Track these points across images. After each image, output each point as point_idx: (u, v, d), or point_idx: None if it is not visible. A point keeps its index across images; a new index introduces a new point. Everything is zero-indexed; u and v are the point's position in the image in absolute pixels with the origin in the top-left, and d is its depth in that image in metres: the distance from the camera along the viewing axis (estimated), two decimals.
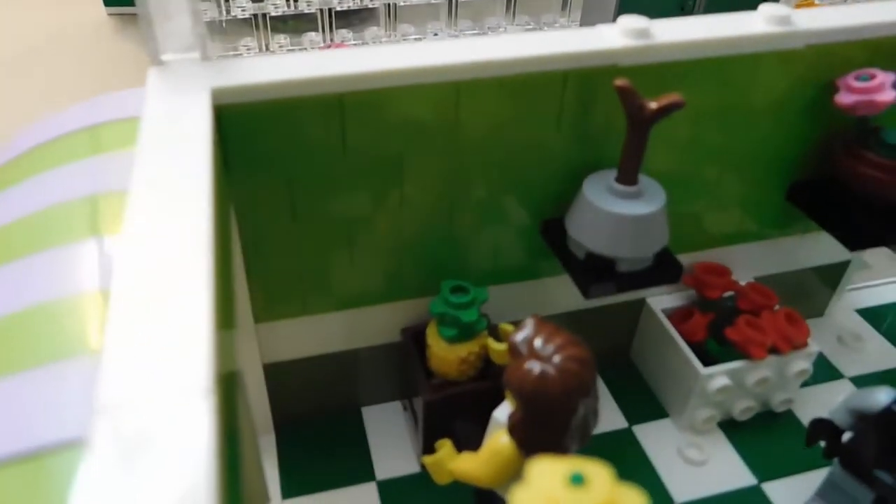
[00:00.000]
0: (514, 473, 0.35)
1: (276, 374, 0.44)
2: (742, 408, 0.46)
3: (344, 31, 0.59)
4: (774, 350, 0.45)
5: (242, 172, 0.35)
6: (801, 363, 0.45)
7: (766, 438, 0.47)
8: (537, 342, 0.33)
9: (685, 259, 0.48)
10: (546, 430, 0.33)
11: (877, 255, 0.63)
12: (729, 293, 0.48)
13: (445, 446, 0.38)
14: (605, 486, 0.19)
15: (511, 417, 0.34)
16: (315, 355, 0.45)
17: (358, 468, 0.44)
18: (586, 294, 0.38)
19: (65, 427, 0.17)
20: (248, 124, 0.34)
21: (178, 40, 0.34)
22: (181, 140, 0.27)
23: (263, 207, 0.37)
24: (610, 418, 0.48)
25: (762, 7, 0.40)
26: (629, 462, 0.45)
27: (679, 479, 0.44)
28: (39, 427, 0.17)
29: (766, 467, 0.45)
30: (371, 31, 0.59)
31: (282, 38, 0.57)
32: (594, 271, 0.38)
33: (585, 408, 0.33)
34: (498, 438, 0.35)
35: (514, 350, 0.33)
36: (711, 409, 0.46)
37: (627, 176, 0.37)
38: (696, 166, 0.43)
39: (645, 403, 0.49)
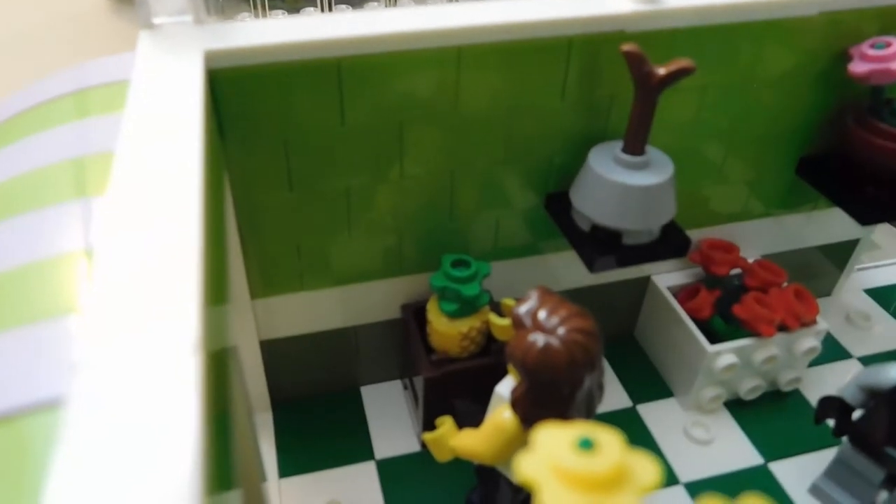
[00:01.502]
0: (516, 449, 0.35)
1: (274, 351, 0.44)
2: (749, 387, 0.45)
3: (342, 6, 0.58)
4: (783, 327, 0.44)
5: (237, 140, 0.34)
6: (809, 341, 0.44)
7: (773, 418, 0.46)
8: (541, 314, 0.32)
9: (692, 235, 0.47)
10: (550, 404, 0.32)
11: (886, 235, 0.62)
12: (736, 270, 0.47)
13: (446, 423, 0.37)
14: (615, 450, 0.18)
15: (514, 392, 0.33)
16: (313, 332, 0.44)
17: (356, 447, 0.43)
18: (591, 267, 0.37)
19: (45, 387, 0.16)
20: (242, 89, 0.32)
21: (171, 3, 0.33)
22: (172, 103, 0.26)
23: (259, 177, 0.36)
24: (614, 397, 0.47)
25: None
26: (634, 441, 0.44)
27: (685, 458, 0.43)
28: (19, 387, 0.16)
29: (773, 447, 0.44)
30: (370, 5, 0.58)
31: (279, 13, 0.56)
32: (599, 244, 0.37)
33: (591, 381, 0.32)
34: (501, 413, 0.34)
35: (517, 322, 0.32)
36: (718, 387, 0.45)
37: (634, 146, 0.36)
38: (703, 139, 0.42)
39: (650, 382, 0.48)
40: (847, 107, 0.42)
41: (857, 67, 0.39)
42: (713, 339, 0.44)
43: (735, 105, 0.41)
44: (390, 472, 0.42)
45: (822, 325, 0.45)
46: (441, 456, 0.37)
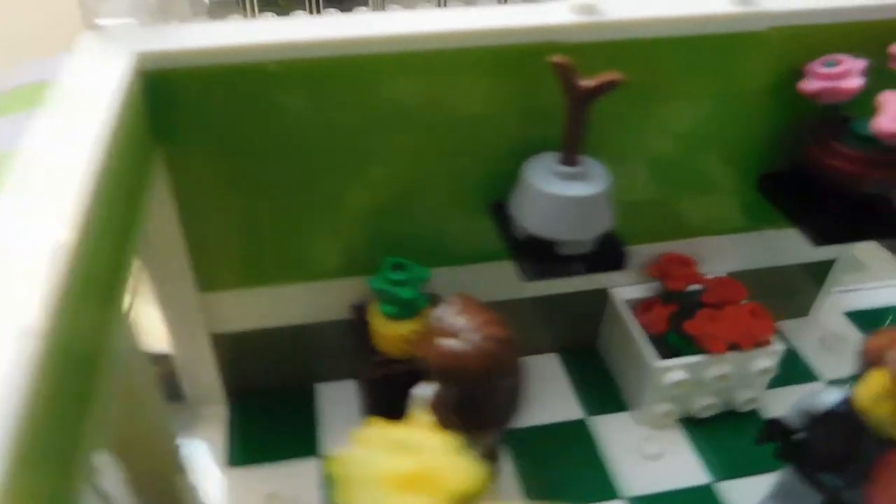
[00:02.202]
0: None
1: (229, 344, 0.45)
2: (703, 404, 0.45)
3: (332, 10, 0.59)
4: (736, 346, 0.43)
5: (175, 139, 0.35)
6: (764, 361, 0.44)
7: (726, 437, 0.45)
8: (458, 320, 0.32)
9: (654, 249, 0.47)
10: (465, 409, 0.32)
11: (872, 257, 0.60)
12: (697, 286, 0.46)
13: (377, 423, 0.37)
14: (429, 453, 0.18)
15: (434, 396, 0.33)
16: (269, 328, 0.45)
17: (304, 443, 0.44)
18: (522, 276, 0.37)
19: None
20: (176, 90, 0.34)
21: (114, 5, 0.34)
22: (85, 103, 0.28)
23: (201, 175, 0.37)
24: (567, 408, 0.47)
25: None
26: (581, 453, 0.44)
27: (630, 473, 0.43)
28: None
29: (723, 466, 0.43)
30: (359, 10, 0.59)
31: (270, 16, 0.57)
32: (533, 254, 0.38)
33: (505, 388, 0.32)
34: (418, 416, 0.34)
35: (433, 327, 0.32)
36: (669, 403, 0.44)
37: (568, 156, 0.36)
38: (657, 152, 0.42)
39: (606, 395, 0.48)
40: (806, 124, 0.41)
41: (808, 85, 0.38)
42: (669, 355, 0.44)
43: (687, 118, 0.41)
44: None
45: (778, 345, 0.44)
46: None
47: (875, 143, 0.37)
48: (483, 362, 0.31)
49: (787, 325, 0.53)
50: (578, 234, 0.36)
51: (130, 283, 0.28)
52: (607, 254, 0.38)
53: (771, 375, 0.45)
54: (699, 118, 0.41)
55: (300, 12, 0.61)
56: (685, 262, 0.46)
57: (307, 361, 0.48)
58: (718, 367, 0.43)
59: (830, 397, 0.36)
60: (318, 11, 0.60)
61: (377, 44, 0.34)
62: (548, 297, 0.48)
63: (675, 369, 0.43)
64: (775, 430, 0.39)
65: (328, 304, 0.45)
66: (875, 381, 0.32)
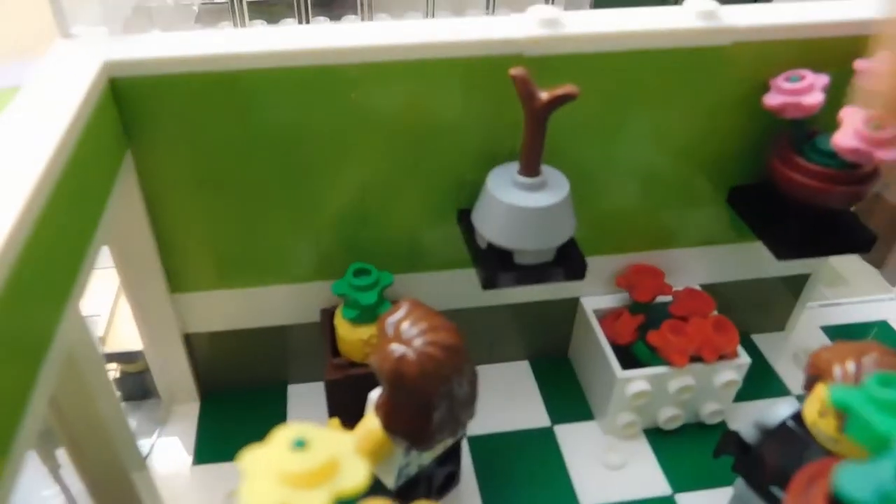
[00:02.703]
0: (387, 454, 0.36)
1: (201, 344, 0.46)
2: (667, 416, 0.45)
3: (321, 17, 0.60)
4: (700, 359, 0.43)
5: (144, 143, 0.36)
6: (728, 374, 0.44)
7: (690, 449, 0.45)
8: (404, 325, 0.33)
9: (626, 259, 0.47)
10: (407, 412, 0.33)
11: (854, 271, 0.60)
12: (666, 298, 0.47)
13: (331, 424, 0.38)
14: (325, 451, 0.19)
15: (378, 399, 0.34)
16: (241, 329, 0.46)
17: None
18: (483, 285, 0.38)
19: None
20: (144, 97, 0.35)
21: (88, 14, 0.35)
22: (48, 108, 0.29)
23: (169, 179, 0.38)
24: (534, 415, 0.47)
25: (689, 1, 0.39)
26: (544, 461, 0.45)
27: (591, 482, 0.43)
28: None
29: (685, 478, 0.44)
30: (348, 17, 0.60)
31: (260, 24, 0.59)
32: (493, 263, 0.38)
33: (449, 394, 0.33)
34: (369, 420, 0.35)
35: (381, 331, 0.33)
36: (633, 414, 0.45)
37: (528, 167, 0.36)
38: (626, 164, 0.42)
39: (574, 403, 0.48)
40: (773, 139, 0.41)
41: (772, 100, 0.38)
42: (636, 365, 0.44)
43: (655, 132, 0.41)
44: None
45: (743, 359, 0.44)
46: None
47: (837, 158, 0.37)
48: (424, 368, 0.31)
49: (762, 339, 0.53)
50: (537, 243, 0.37)
51: (84, 278, 0.29)
52: (567, 263, 0.38)
53: (736, 388, 0.45)
54: (667, 131, 0.41)
55: (289, 20, 0.62)
56: (654, 274, 0.46)
57: (280, 362, 0.48)
58: (681, 379, 0.43)
59: (783, 411, 0.36)
60: (307, 19, 0.61)
61: (347, 54, 0.35)
62: (520, 304, 0.49)
63: (638, 380, 0.43)
64: (731, 443, 0.39)
65: (301, 306, 0.45)
66: (819, 396, 0.32)
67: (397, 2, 0.58)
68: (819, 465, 0.25)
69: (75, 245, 0.28)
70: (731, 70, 0.39)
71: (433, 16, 0.63)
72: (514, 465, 0.44)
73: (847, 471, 0.18)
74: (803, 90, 0.37)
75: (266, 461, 0.19)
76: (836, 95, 0.38)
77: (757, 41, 0.38)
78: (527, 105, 0.35)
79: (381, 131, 0.38)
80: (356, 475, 0.19)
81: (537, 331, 0.51)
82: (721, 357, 0.44)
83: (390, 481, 0.37)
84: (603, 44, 0.37)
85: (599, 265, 0.47)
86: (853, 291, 0.58)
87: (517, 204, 0.36)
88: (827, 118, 0.38)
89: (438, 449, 0.38)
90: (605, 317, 0.47)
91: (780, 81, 0.38)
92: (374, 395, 0.36)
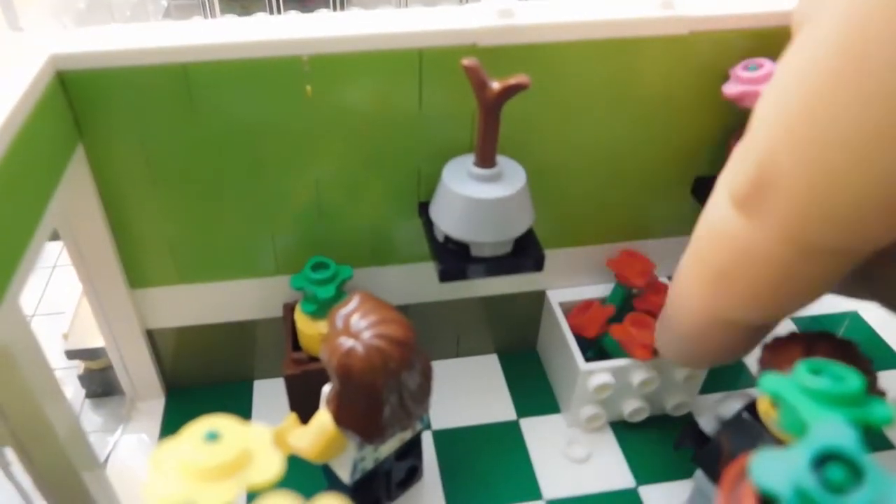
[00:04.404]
0: (340, 449, 0.36)
1: (165, 340, 0.46)
2: (632, 409, 0.45)
3: (292, 11, 0.60)
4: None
5: (96, 137, 0.36)
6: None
7: (655, 442, 0.45)
8: (354, 318, 0.32)
9: (595, 251, 0.47)
10: (356, 406, 0.33)
11: None
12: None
13: (289, 419, 0.38)
14: (237, 444, 0.19)
15: (329, 393, 0.34)
16: (205, 324, 0.46)
17: None
18: (439, 278, 0.38)
19: None
20: (94, 91, 0.34)
21: (37, 9, 0.35)
22: None
23: (124, 173, 0.37)
24: (501, 409, 0.47)
25: None
26: (508, 454, 0.44)
27: (554, 475, 0.43)
28: None
29: (649, 471, 0.43)
30: (321, 11, 0.60)
31: (232, 17, 0.58)
32: (450, 255, 0.38)
33: (398, 389, 0.33)
34: (322, 414, 0.35)
35: (331, 324, 0.33)
36: (597, 406, 0.44)
37: (483, 158, 0.36)
38: (587, 156, 0.42)
39: (541, 397, 0.48)
40: (735, 128, 0.41)
41: (730, 89, 0.38)
42: (605, 358, 0.44)
43: (615, 122, 0.41)
44: None
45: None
46: (282, 451, 0.37)
47: None
48: (371, 362, 0.31)
49: None
50: (492, 235, 0.37)
51: (23, 274, 0.28)
52: (525, 255, 0.38)
53: (700, 381, 0.45)
54: (627, 121, 0.41)
55: (261, 13, 0.61)
56: (643, 260, 0.46)
57: (246, 358, 0.48)
58: (643, 371, 0.43)
59: (738, 403, 0.36)
60: (279, 11, 0.60)
61: (297, 46, 0.35)
62: (487, 298, 0.49)
63: (600, 372, 0.43)
64: (690, 435, 0.39)
65: (264, 301, 0.45)
66: None
67: None
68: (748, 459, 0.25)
69: (12, 240, 0.28)
70: (690, 60, 0.39)
71: (406, 6, 0.62)
72: (479, 459, 0.44)
73: (762, 459, 0.18)
74: (761, 79, 0.37)
75: (176, 455, 0.19)
76: None
77: (714, 30, 0.38)
78: (479, 96, 0.34)
79: (337, 124, 0.38)
80: (269, 468, 0.19)
81: (505, 324, 0.50)
82: None
83: (346, 476, 0.37)
84: (558, 33, 0.37)
85: (567, 257, 0.47)
86: None
87: (472, 196, 0.36)
88: None
89: (395, 443, 0.38)
90: (573, 309, 0.47)
91: (739, 70, 0.38)
92: (327, 389, 0.36)
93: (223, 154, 0.38)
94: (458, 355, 0.51)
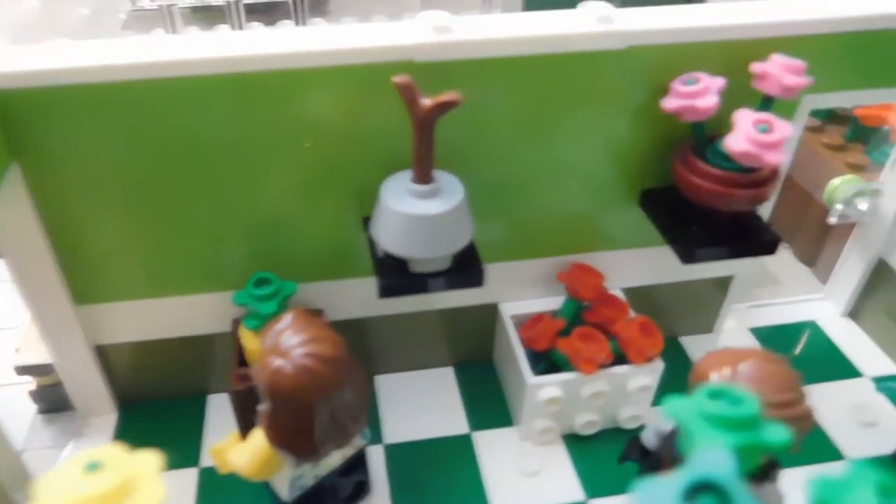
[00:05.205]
0: (277, 467, 0.35)
1: (115, 355, 0.46)
2: (584, 421, 0.45)
3: (255, 23, 0.60)
4: (623, 361, 0.43)
5: (34, 155, 0.36)
6: (642, 379, 0.44)
7: (607, 454, 0.45)
8: (284, 336, 0.32)
9: (547, 264, 0.47)
10: (288, 425, 0.33)
11: (788, 271, 0.59)
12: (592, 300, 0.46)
13: (229, 436, 0.38)
14: (118, 473, 0.19)
15: (262, 412, 0.34)
16: (155, 339, 0.46)
17: (186, 453, 0.45)
18: (378, 294, 0.38)
19: None
20: (26, 110, 0.34)
21: None
22: None
23: (64, 192, 0.37)
24: (454, 423, 0.47)
25: (582, 4, 0.38)
26: (460, 468, 0.44)
27: (505, 489, 0.43)
28: None
29: (600, 484, 0.43)
30: (283, 23, 0.60)
31: (193, 30, 0.58)
32: (390, 271, 0.38)
33: (333, 406, 0.33)
34: (257, 432, 0.35)
35: (263, 342, 0.33)
36: (548, 420, 0.44)
37: (419, 175, 0.36)
38: (532, 170, 0.42)
39: (495, 410, 0.48)
40: (680, 142, 0.41)
41: (669, 103, 0.38)
42: (554, 371, 0.44)
43: (559, 136, 0.41)
44: (211, 481, 0.44)
45: (658, 363, 0.44)
46: (222, 468, 0.38)
47: (737, 161, 0.37)
48: (299, 380, 0.31)
49: (691, 341, 0.53)
50: (429, 251, 0.37)
51: None
52: (465, 270, 0.38)
53: (651, 393, 0.45)
54: (571, 136, 0.41)
55: (223, 26, 0.61)
56: (593, 273, 0.46)
57: (199, 372, 0.48)
58: (593, 384, 0.43)
59: None
60: (241, 26, 0.61)
61: (234, 64, 0.35)
62: (442, 311, 0.49)
63: (549, 386, 0.43)
64: (634, 448, 0.39)
65: (215, 316, 0.45)
66: None
67: (337, 6, 0.58)
68: None
69: None
70: (629, 74, 0.39)
71: (369, 21, 0.62)
72: (430, 474, 0.44)
73: (644, 487, 0.18)
74: (698, 93, 0.37)
75: (57, 486, 0.19)
76: (735, 98, 0.38)
77: (652, 45, 0.38)
78: (411, 112, 0.34)
79: (281, 140, 0.38)
80: (152, 496, 0.19)
81: (461, 337, 0.50)
82: (647, 359, 0.44)
83: (284, 493, 0.37)
84: (496, 49, 0.37)
85: (519, 270, 0.47)
86: (786, 291, 0.57)
87: (408, 212, 0.36)
88: (729, 121, 0.38)
89: (336, 459, 0.38)
90: (525, 322, 0.47)
91: (677, 85, 0.38)
92: (261, 407, 0.36)
93: (168, 171, 0.38)
94: (413, 368, 0.51)
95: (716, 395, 0.22)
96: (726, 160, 0.38)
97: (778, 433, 0.21)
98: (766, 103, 0.38)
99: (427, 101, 0.34)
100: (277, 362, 0.31)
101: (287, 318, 0.33)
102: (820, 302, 0.56)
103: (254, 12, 0.60)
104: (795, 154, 0.59)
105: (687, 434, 0.22)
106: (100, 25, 0.52)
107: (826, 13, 0.39)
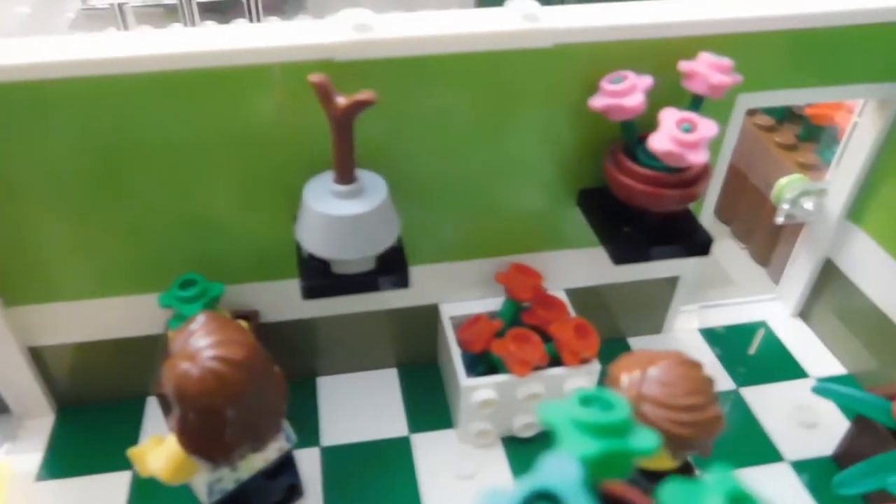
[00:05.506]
0: (192, 470, 0.35)
1: (54, 356, 0.45)
2: (522, 423, 0.44)
3: (209, 21, 0.59)
4: (558, 363, 0.43)
5: None
6: (578, 380, 0.43)
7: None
8: (193, 339, 0.32)
9: (489, 264, 0.46)
10: (197, 429, 0.32)
11: (744, 272, 0.59)
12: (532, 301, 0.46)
13: (149, 440, 0.37)
14: None
15: (172, 416, 0.33)
16: (90, 341, 0.45)
17: (120, 456, 0.44)
18: (301, 295, 0.37)
19: None
20: None
21: None
22: None
23: None
24: (393, 425, 0.47)
25: (509, 2, 0.38)
26: (396, 471, 0.44)
27: (439, 492, 0.43)
28: None
29: None
30: (238, 21, 0.59)
31: (146, 29, 0.58)
32: (314, 272, 0.37)
33: (244, 409, 0.32)
34: (171, 436, 0.34)
35: (173, 346, 0.32)
36: (484, 422, 0.44)
37: (341, 175, 0.36)
38: (468, 169, 0.42)
39: (437, 412, 0.47)
40: (613, 141, 0.41)
41: (596, 102, 0.38)
42: (491, 373, 0.43)
43: (491, 135, 0.40)
44: (143, 484, 0.43)
45: (595, 365, 0.43)
46: (142, 472, 0.37)
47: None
48: (205, 384, 0.30)
49: (639, 342, 0.53)
50: (351, 253, 0.36)
51: None
52: (389, 272, 0.38)
53: None
54: (502, 135, 0.41)
55: (177, 25, 0.61)
56: (532, 274, 0.45)
57: (137, 375, 0.48)
58: (528, 386, 0.42)
59: None
60: (194, 23, 0.60)
61: (140, 63, 0.35)
62: (383, 311, 0.48)
63: (483, 388, 0.42)
64: None
65: (153, 317, 0.45)
66: None
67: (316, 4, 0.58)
68: None
69: None
70: (558, 72, 0.39)
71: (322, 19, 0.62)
72: (365, 477, 0.44)
73: (486, 496, 0.18)
74: (625, 92, 0.37)
75: None
76: (667, 97, 0.38)
77: (579, 42, 0.38)
78: (327, 111, 0.34)
79: (209, 140, 0.38)
80: None
81: (405, 338, 0.50)
82: (582, 361, 0.43)
83: (203, 497, 0.36)
84: (418, 47, 0.36)
85: (458, 271, 0.47)
86: (740, 292, 0.57)
87: (328, 213, 0.35)
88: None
89: (259, 462, 0.37)
90: (464, 323, 0.46)
91: (605, 83, 0.38)
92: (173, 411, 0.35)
93: (99, 170, 0.37)
94: (357, 370, 0.50)
95: (588, 400, 0.21)
96: (656, 160, 0.38)
97: (645, 440, 0.20)
98: (695, 102, 0.38)
99: (342, 100, 0.33)
100: (184, 366, 0.31)
101: (199, 320, 0.33)
102: (771, 302, 0.55)
103: (208, 11, 0.60)
104: (749, 154, 0.59)
105: (557, 440, 0.21)
106: (45, 25, 0.52)
107: (757, 11, 0.39)
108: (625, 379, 0.31)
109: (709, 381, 0.31)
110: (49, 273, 0.41)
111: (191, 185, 0.39)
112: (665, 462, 0.31)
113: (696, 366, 0.31)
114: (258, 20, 0.62)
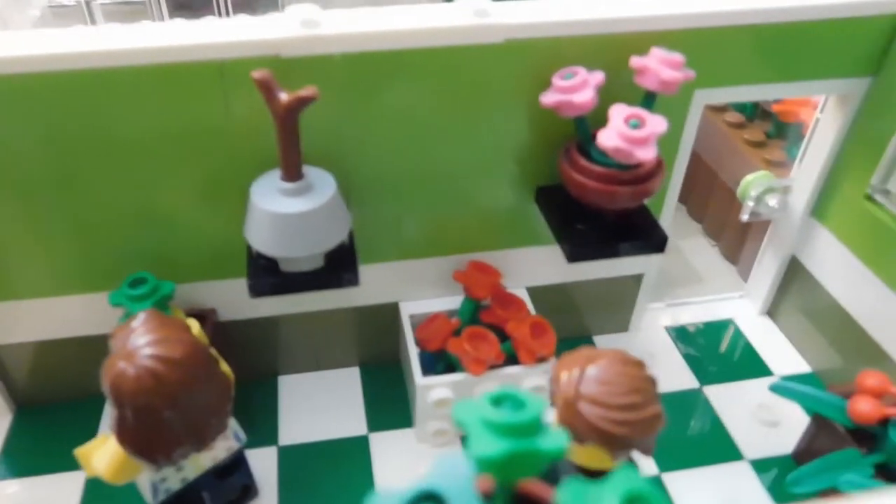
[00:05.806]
0: (135, 470, 0.35)
1: (11, 355, 0.45)
2: None
3: (179, 19, 0.59)
4: (515, 362, 0.42)
5: None
6: (535, 379, 0.43)
7: None
8: (132, 337, 0.32)
9: (449, 262, 0.46)
10: (134, 428, 0.32)
11: (714, 269, 0.59)
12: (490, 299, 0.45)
13: (96, 439, 0.37)
14: None
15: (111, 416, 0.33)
16: (53, 339, 0.45)
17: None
18: (249, 294, 0.37)
19: None
20: None
21: None
22: None
23: None
24: (352, 424, 0.46)
25: None
26: (353, 471, 0.44)
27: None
28: None
29: None
30: (208, 17, 0.59)
31: (114, 25, 0.57)
32: (260, 271, 0.37)
33: (183, 408, 0.32)
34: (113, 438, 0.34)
35: (114, 343, 0.32)
36: (441, 421, 0.44)
37: (287, 172, 0.35)
38: (422, 166, 0.41)
39: (397, 411, 0.47)
40: (569, 138, 0.40)
41: (548, 98, 0.37)
42: (449, 371, 0.43)
43: (444, 132, 0.40)
44: (98, 484, 0.43)
45: (554, 363, 0.43)
46: (88, 471, 0.37)
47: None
48: (142, 383, 0.30)
49: (605, 340, 0.53)
50: (298, 250, 0.36)
51: None
52: (337, 270, 0.37)
53: (546, 394, 0.44)
54: (464, 130, 0.40)
55: (146, 21, 0.60)
56: (491, 272, 0.45)
57: (95, 374, 0.47)
58: (484, 386, 0.42)
59: None
60: (164, 19, 0.60)
61: (84, 59, 0.34)
62: (343, 309, 0.48)
63: (439, 387, 0.42)
64: None
65: (113, 315, 0.44)
66: None
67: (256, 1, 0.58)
68: None
69: None
70: (510, 68, 0.38)
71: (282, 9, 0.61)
72: (321, 476, 0.43)
73: (373, 498, 0.17)
74: (575, 88, 0.36)
75: None
76: (620, 93, 0.37)
77: (530, 38, 0.37)
78: (270, 108, 0.33)
79: (161, 137, 0.37)
80: None
81: (366, 337, 0.50)
82: (539, 360, 0.43)
83: (148, 497, 0.36)
84: (366, 43, 0.36)
85: (417, 269, 0.46)
86: (709, 289, 0.56)
87: (272, 210, 0.35)
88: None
89: (207, 462, 0.37)
90: (424, 321, 0.46)
91: (556, 79, 0.37)
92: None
93: (53, 167, 0.37)
94: (318, 368, 0.50)
95: (500, 399, 0.21)
96: (608, 157, 0.37)
97: (554, 440, 0.20)
98: (648, 98, 0.37)
99: (285, 96, 0.33)
100: (120, 365, 0.31)
101: (140, 318, 0.32)
102: (739, 300, 0.55)
103: (178, 8, 0.59)
104: (719, 151, 0.58)
105: (467, 439, 0.21)
106: (10, 22, 0.51)
107: (712, 7, 0.38)
108: (564, 377, 0.30)
109: (649, 380, 0.30)
110: (4, 271, 0.41)
111: (144, 183, 0.39)
112: (605, 462, 0.31)
113: (636, 364, 0.30)
114: (228, 16, 0.62)
